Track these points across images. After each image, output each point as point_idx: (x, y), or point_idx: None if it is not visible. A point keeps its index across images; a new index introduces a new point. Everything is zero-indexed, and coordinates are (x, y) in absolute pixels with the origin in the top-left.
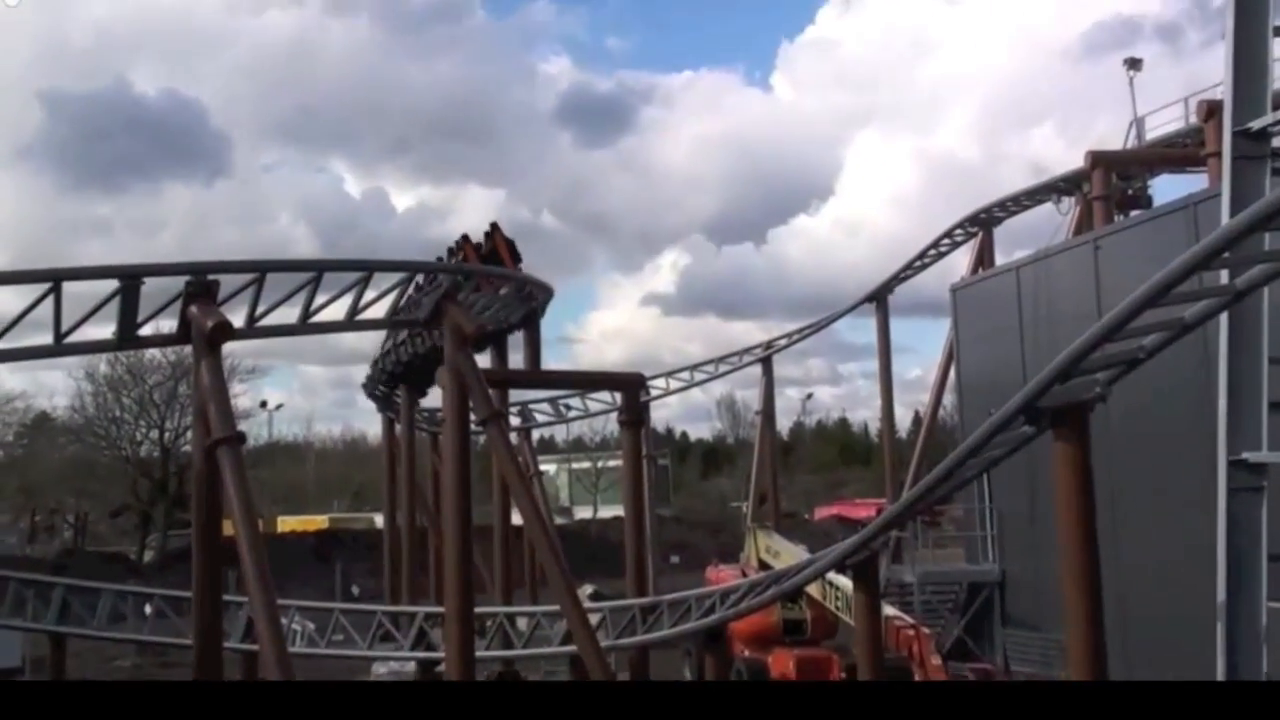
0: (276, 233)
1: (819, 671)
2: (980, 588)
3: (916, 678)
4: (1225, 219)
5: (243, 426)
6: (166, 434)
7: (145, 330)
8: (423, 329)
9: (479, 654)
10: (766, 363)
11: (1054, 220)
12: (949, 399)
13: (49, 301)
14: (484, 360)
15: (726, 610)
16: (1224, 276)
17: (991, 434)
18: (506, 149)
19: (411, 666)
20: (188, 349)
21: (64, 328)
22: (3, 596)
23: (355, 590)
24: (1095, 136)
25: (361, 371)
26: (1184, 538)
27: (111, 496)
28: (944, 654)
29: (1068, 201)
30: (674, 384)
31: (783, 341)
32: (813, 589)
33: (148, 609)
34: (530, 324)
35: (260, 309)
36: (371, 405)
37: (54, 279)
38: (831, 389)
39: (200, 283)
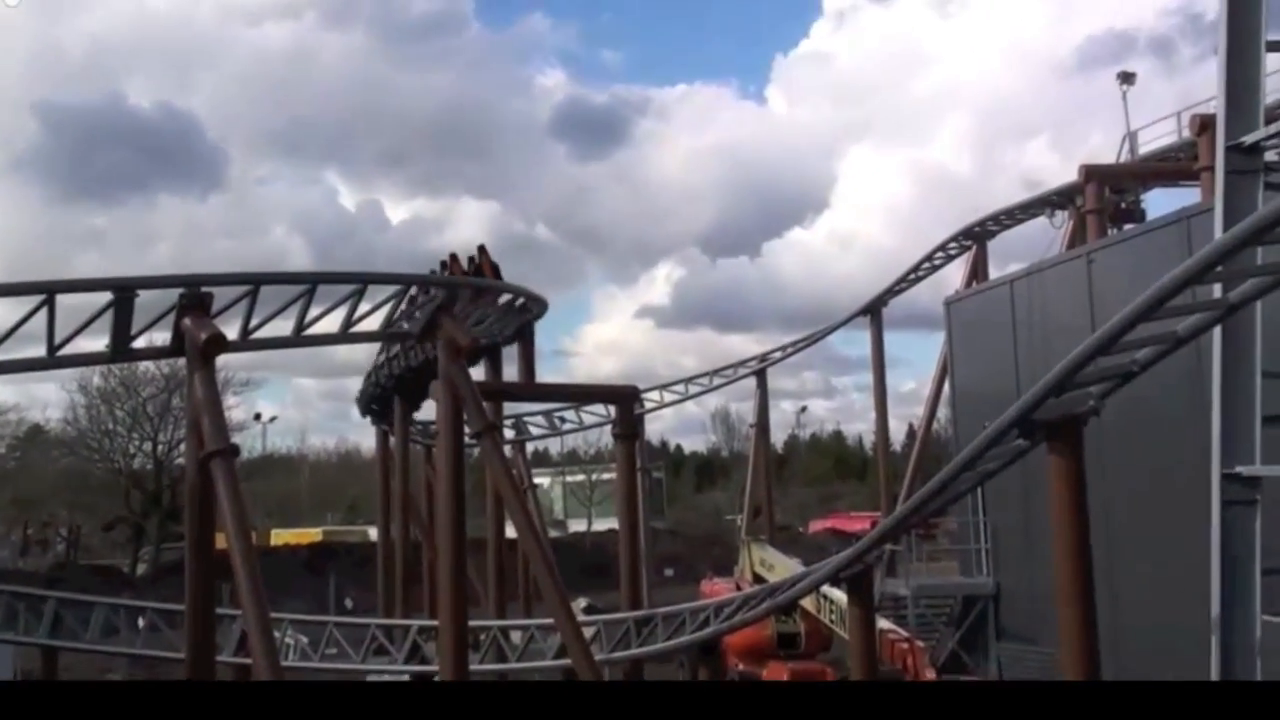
0: (271, 245)
1: None
2: (975, 601)
3: None
4: (1218, 233)
5: (236, 439)
6: (160, 446)
7: (139, 343)
8: (417, 342)
9: (473, 667)
10: (761, 375)
11: (1047, 234)
12: (943, 412)
13: (42, 313)
14: (478, 373)
15: (721, 624)
16: (1217, 290)
17: (986, 447)
18: (501, 162)
19: (405, 680)
20: (181, 361)
21: (57, 340)
22: None
23: (349, 603)
24: (1088, 150)
25: (355, 384)
26: (1178, 551)
27: (105, 509)
28: (938, 667)
29: (1061, 215)
30: (668, 397)
31: (777, 354)
32: (807, 602)
33: (140, 622)
34: (524, 336)
35: (254, 321)
36: (365, 418)
37: (47, 291)
38: (826, 402)
39: (194, 295)
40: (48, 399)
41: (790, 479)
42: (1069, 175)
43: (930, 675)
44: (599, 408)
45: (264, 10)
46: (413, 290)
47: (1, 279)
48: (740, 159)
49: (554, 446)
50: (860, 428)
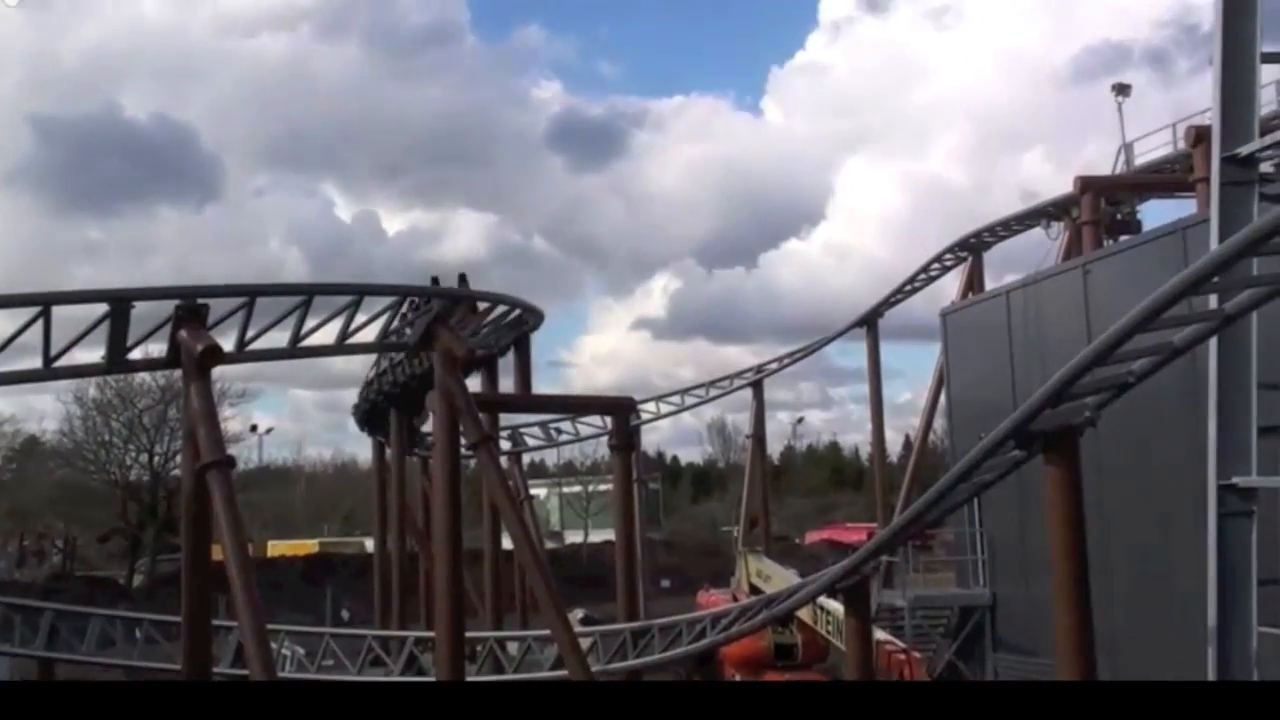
0: (267, 256)
1: None
2: (971, 612)
3: None
4: (1214, 244)
5: (233, 450)
6: (156, 458)
7: (135, 354)
8: (413, 353)
9: (469, 679)
10: (757, 386)
11: (1043, 245)
12: (939, 423)
13: (38, 325)
14: (474, 384)
15: (717, 635)
16: (1213, 301)
17: (982, 458)
18: (498, 173)
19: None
20: (177, 373)
21: (53, 351)
22: None
23: (345, 614)
24: (1084, 162)
25: (352, 395)
26: (1174, 562)
27: (101, 521)
28: (935, 678)
29: (1057, 226)
30: (665, 408)
31: (773, 365)
32: (804, 613)
33: (137, 634)
34: (521, 348)
35: (250, 333)
36: (362, 430)
37: (43, 303)
38: (822, 413)
39: (190, 306)
40: (44, 410)
41: (787, 490)
42: (1065, 187)
43: None
44: (595, 419)
45: (260, 22)
46: (404, 308)
47: None
48: (736, 170)
49: (550, 458)
50: (857, 439)
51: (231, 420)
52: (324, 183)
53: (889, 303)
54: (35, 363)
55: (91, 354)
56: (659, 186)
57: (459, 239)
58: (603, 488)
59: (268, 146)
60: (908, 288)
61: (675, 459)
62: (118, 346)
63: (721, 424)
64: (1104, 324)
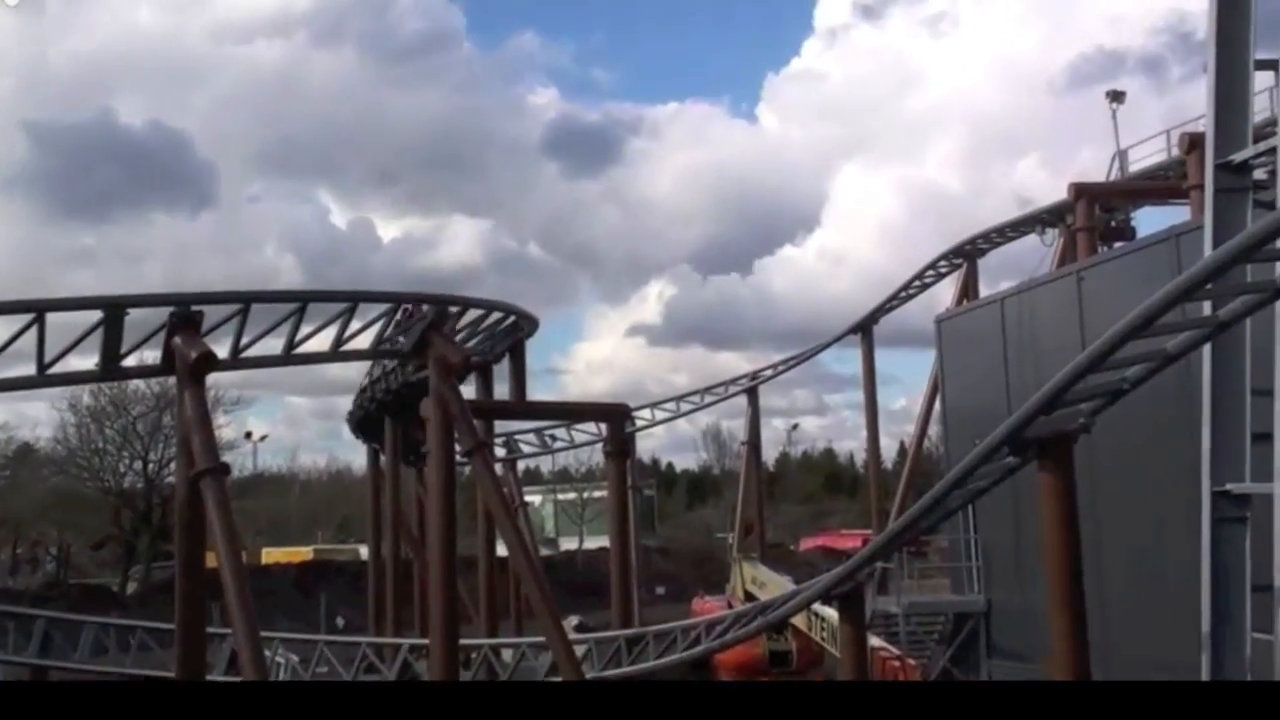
0: (262, 263)
1: None
2: (966, 618)
3: None
4: (1208, 251)
5: (227, 458)
6: (150, 465)
7: (129, 361)
8: (407, 360)
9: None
10: (752, 393)
11: (1038, 252)
12: (934, 429)
13: (32, 332)
14: (469, 391)
15: (712, 641)
16: (1207, 308)
17: (976, 465)
18: (493, 180)
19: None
20: (172, 380)
21: (47, 358)
22: None
23: (340, 622)
24: (1079, 169)
25: (347, 402)
26: (1168, 569)
27: (94, 528)
28: None
29: (1052, 233)
30: (659, 415)
31: (768, 372)
32: (798, 620)
33: (131, 641)
34: (516, 355)
35: (245, 340)
36: (357, 437)
37: (37, 309)
38: (817, 419)
39: (184, 314)
40: (38, 417)
41: (782, 497)
42: (1059, 193)
43: None
44: (590, 426)
45: (255, 29)
46: (398, 316)
47: None
48: (731, 177)
49: (545, 464)
50: (852, 445)
51: (226, 427)
52: (319, 189)
53: (884, 309)
54: (29, 369)
55: (86, 361)
56: (654, 193)
57: (454, 246)
58: (598, 494)
59: (262, 153)
60: (903, 294)
61: (670, 465)
62: (112, 353)
63: (716, 430)
64: (1098, 331)
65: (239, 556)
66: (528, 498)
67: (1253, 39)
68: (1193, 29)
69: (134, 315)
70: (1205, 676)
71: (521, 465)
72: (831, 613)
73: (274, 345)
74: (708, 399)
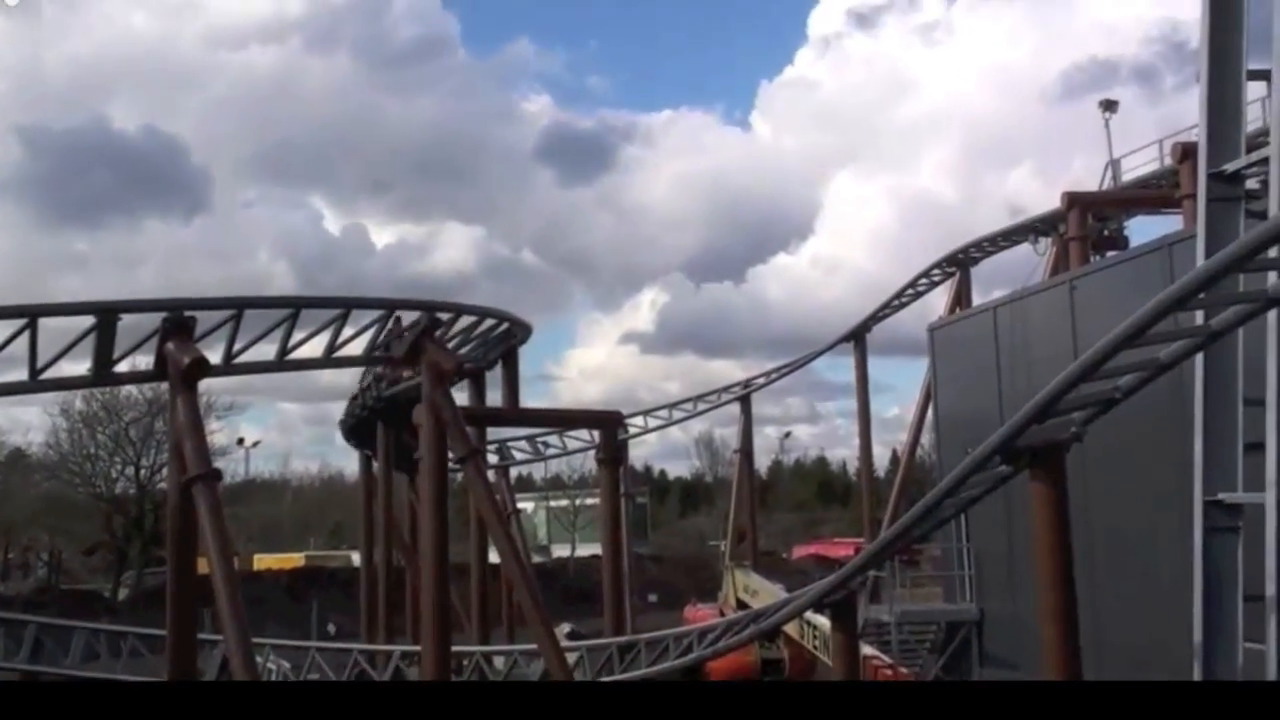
0: (255, 269)
1: None
2: (958, 627)
3: None
4: (1200, 260)
5: (219, 463)
6: (142, 471)
7: (121, 366)
8: (400, 366)
9: None
10: (745, 401)
11: (1031, 260)
12: (927, 438)
13: (24, 337)
14: (462, 398)
15: (704, 649)
16: (1199, 317)
17: (969, 473)
18: (487, 186)
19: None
20: (164, 385)
21: (39, 363)
22: None
23: (331, 628)
24: (1072, 178)
25: (339, 409)
26: (1161, 578)
27: (86, 534)
28: None
29: (1044, 242)
30: (652, 422)
31: (761, 380)
32: (790, 628)
33: (122, 647)
34: (509, 361)
35: (237, 345)
36: (349, 443)
37: (30, 314)
38: (810, 427)
39: (177, 319)
40: (29, 422)
41: (774, 504)
42: (1052, 202)
43: None
44: (583, 433)
45: (249, 34)
46: (389, 325)
47: None
48: (725, 185)
49: (538, 471)
50: (844, 453)
51: (218, 433)
52: (312, 195)
53: (877, 317)
54: (21, 374)
55: (78, 366)
56: (648, 200)
57: (448, 252)
58: (590, 501)
59: (256, 159)
60: (895, 303)
61: (663, 473)
62: (104, 358)
63: (709, 438)
64: (1090, 340)
65: (231, 562)
66: (520, 505)
67: (1245, 49)
68: (1186, 38)
69: (127, 320)
70: None
71: (514, 472)
72: (824, 621)
73: (267, 351)
74: (701, 406)
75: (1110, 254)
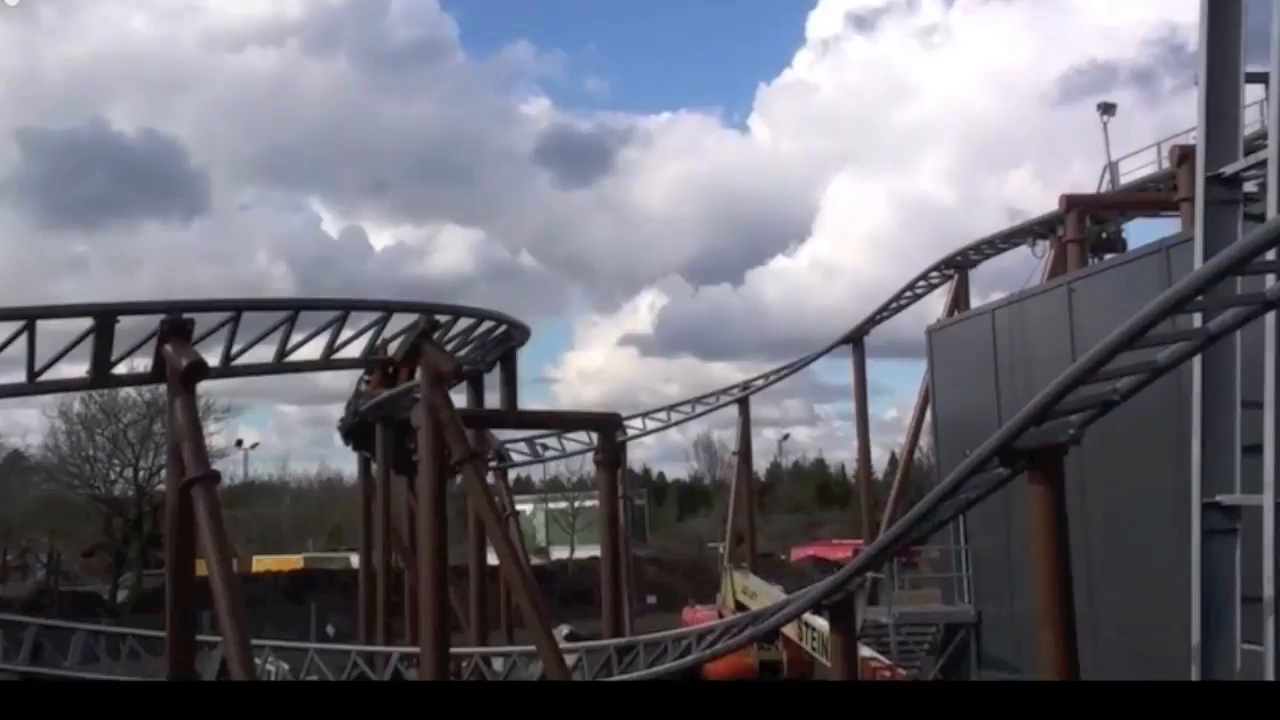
0: (254, 271)
1: None
2: (956, 629)
3: None
4: (1198, 263)
5: (218, 465)
6: (141, 473)
7: (120, 369)
8: (399, 368)
9: None
10: (743, 403)
11: (1029, 263)
12: (925, 440)
13: (23, 339)
14: (460, 400)
15: (702, 651)
16: (1197, 320)
17: (967, 476)
18: (485, 189)
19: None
20: (162, 388)
21: (38, 366)
22: None
23: (330, 630)
24: (1070, 181)
25: (338, 411)
26: (1158, 580)
27: (85, 536)
28: None
29: (1043, 245)
30: (651, 424)
31: (760, 382)
32: (789, 630)
33: (121, 649)
34: (507, 364)
35: (236, 348)
36: (347, 445)
37: (28, 316)
38: (809, 430)
39: (175, 321)
40: (28, 425)
41: (773, 506)
42: (1050, 205)
43: None
44: (581, 435)
45: (247, 36)
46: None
47: None
48: (724, 187)
49: (536, 474)
50: (843, 455)
51: (216, 435)
52: (311, 198)
53: (875, 320)
54: (19, 377)
55: (76, 368)
56: (646, 203)
57: (446, 255)
58: (589, 503)
59: (255, 161)
60: (894, 305)
61: (661, 475)
62: (102, 361)
63: (708, 440)
64: (1088, 342)
65: (229, 564)
66: (519, 507)
67: (1243, 52)
68: (1184, 41)
69: (125, 323)
70: None
71: (512, 474)
72: (822, 623)
73: (265, 353)
74: (699, 409)
75: (1108, 257)
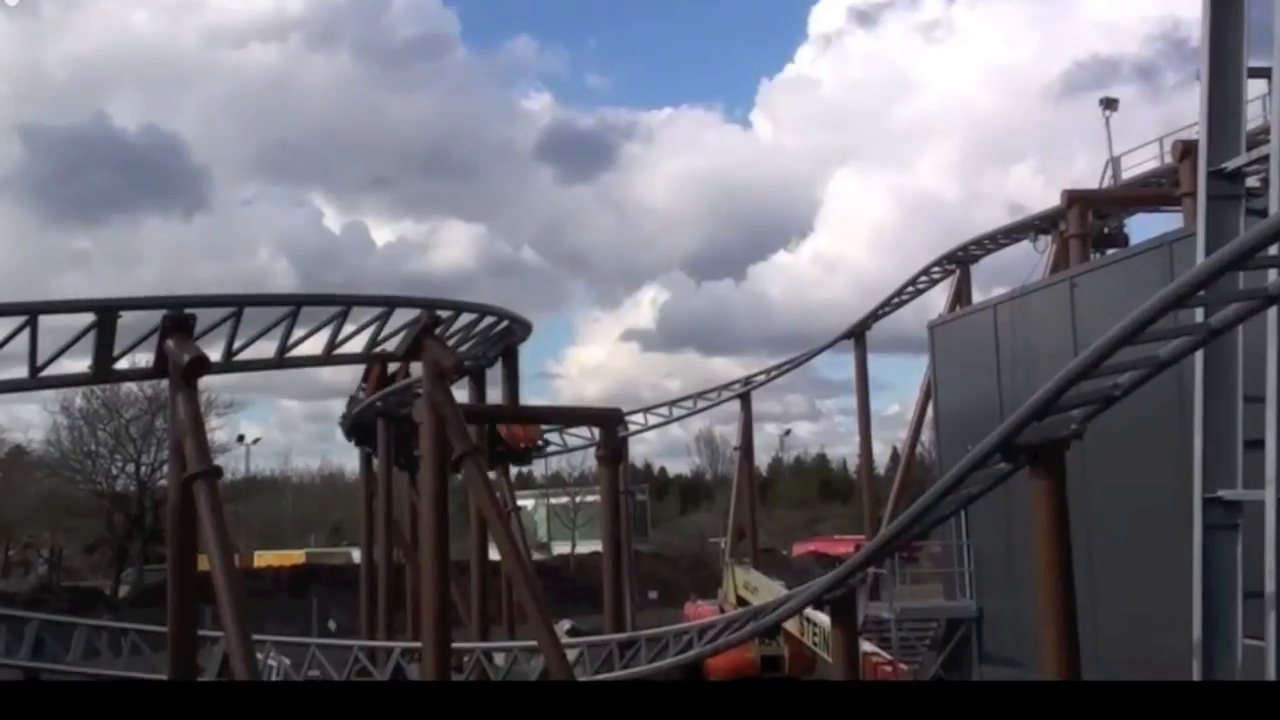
0: (256, 267)
1: None
2: (958, 624)
3: None
4: (1200, 258)
5: (220, 461)
6: (143, 468)
7: (122, 364)
8: (400, 363)
9: None
10: (745, 398)
11: (1031, 258)
12: (927, 435)
13: (24, 334)
14: (462, 395)
15: (704, 646)
16: (1199, 315)
17: (968, 471)
18: (487, 184)
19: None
20: (164, 383)
21: (40, 361)
22: None
23: (332, 625)
24: (1072, 175)
25: (339, 406)
26: (1160, 575)
27: (87, 531)
28: None
29: (1044, 240)
30: (653, 419)
31: (761, 377)
32: (790, 625)
33: (123, 644)
34: (509, 359)
35: (237, 343)
36: (349, 440)
37: (30, 312)
38: (810, 425)
39: (177, 317)
40: (30, 420)
41: (774, 502)
42: (1052, 200)
43: None
44: (583, 430)
45: (249, 32)
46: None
47: None
48: (726, 183)
49: (538, 469)
50: (845, 450)
51: (218, 430)
52: (313, 193)
53: (877, 315)
54: (21, 372)
55: (78, 363)
56: (648, 198)
57: (448, 250)
58: (590, 499)
59: (257, 156)
60: (896, 300)
61: (663, 470)
62: (104, 356)
63: (709, 436)
64: (1090, 337)
65: (231, 560)
66: (521, 502)
67: (1246, 46)
68: (1187, 36)
69: (127, 318)
70: None
71: (514, 469)
72: (824, 618)
73: (267, 348)
74: (701, 404)
75: (1110, 252)
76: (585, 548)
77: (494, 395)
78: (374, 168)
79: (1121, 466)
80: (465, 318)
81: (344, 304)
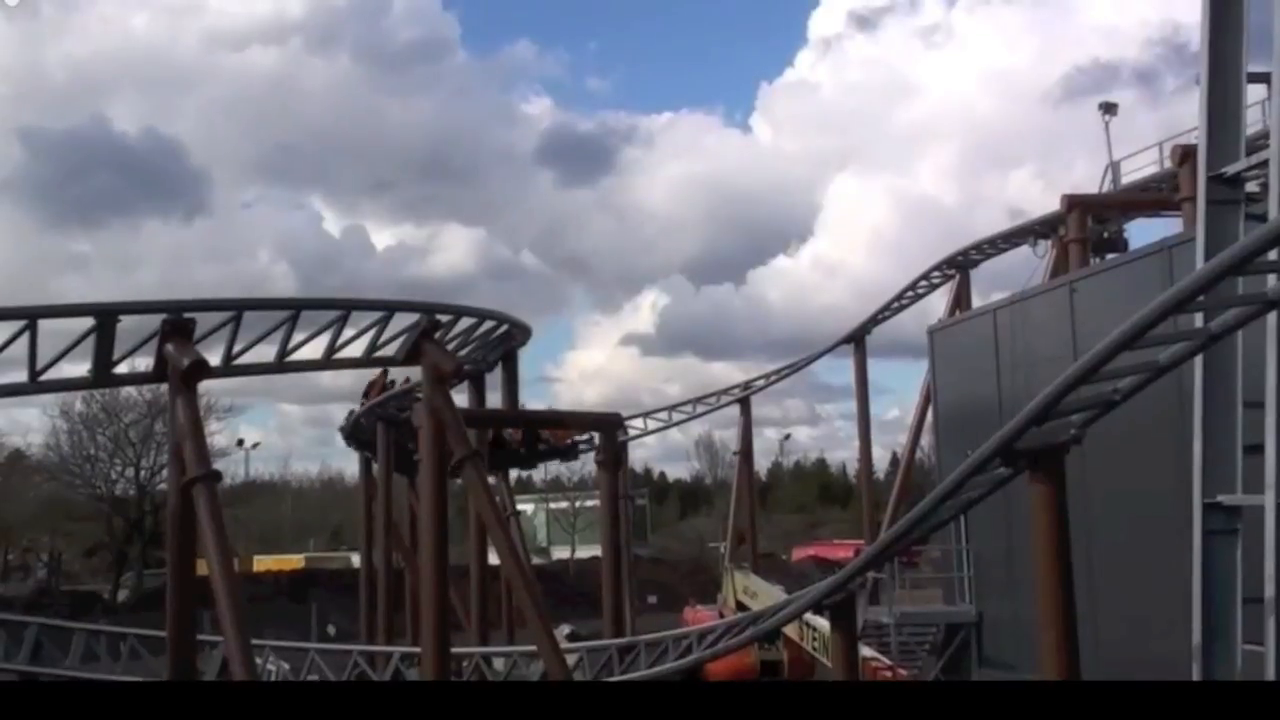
0: (255, 270)
1: None
2: (957, 629)
3: None
4: (1200, 263)
5: (219, 465)
6: (142, 472)
7: (121, 368)
8: (400, 368)
9: None
10: (745, 403)
11: (1030, 263)
12: (926, 440)
13: (24, 338)
14: (462, 399)
15: (703, 651)
16: (1198, 320)
17: (968, 476)
18: (487, 188)
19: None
20: (164, 387)
21: (39, 365)
22: None
23: (331, 630)
24: (1072, 180)
25: (339, 410)
26: (1159, 580)
27: (86, 535)
28: None
29: (1044, 244)
30: (652, 424)
31: (761, 382)
32: (790, 630)
33: (122, 649)
34: (508, 363)
35: (237, 347)
36: (349, 444)
37: (29, 316)
38: (810, 429)
39: (176, 321)
40: (29, 424)
41: (774, 506)
42: (1052, 205)
43: None
44: (583, 435)
45: (249, 35)
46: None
47: None
48: (725, 187)
49: (537, 473)
50: (844, 455)
51: (218, 434)
52: (312, 197)
53: (876, 320)
54: (21, 376)
55: (78, 367)
56: (648, 203)
57: (448, 254)
58: (590, 503)
59: (256, 160)
60: (895, 305)
61: (663, 475)
62: (104, 360)
63: (709, 440)
64: (1090, 342)
65: (230, 564)
66: (520, 506)
67: (1245, 51)
68: (1187, 41)
69: (126, 322)
70: None
71: (513, 474)
72: (823, 623)
73: (266, 353)
74: (700, 409)
75: (1110, 256)
76: (585, 552)
77: (493, 399)
78: (374, 171)
79: (1121, 471)
80: (465, 322)
81: (344, 308)
